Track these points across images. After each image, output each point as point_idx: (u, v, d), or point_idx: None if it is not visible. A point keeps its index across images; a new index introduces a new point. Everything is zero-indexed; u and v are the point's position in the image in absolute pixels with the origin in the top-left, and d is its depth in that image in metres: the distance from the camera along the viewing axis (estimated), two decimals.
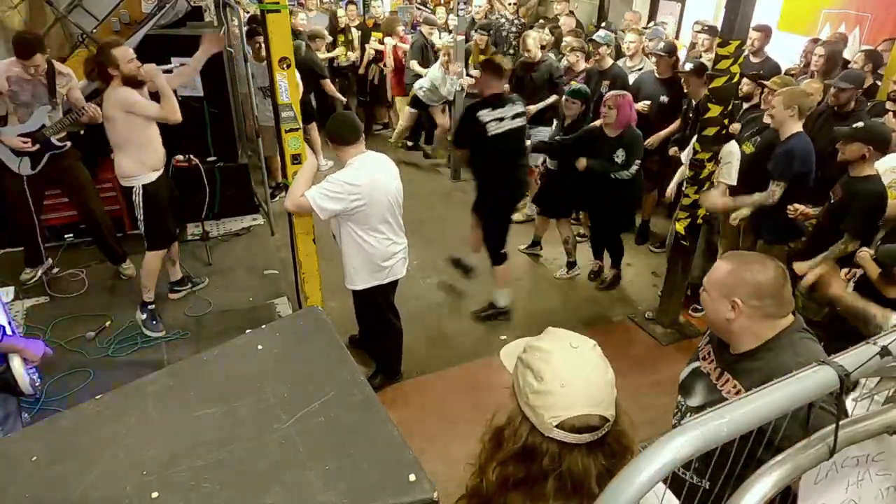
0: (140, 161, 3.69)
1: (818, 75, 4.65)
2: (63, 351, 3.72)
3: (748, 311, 1.59)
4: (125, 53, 3.55)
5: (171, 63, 4.62)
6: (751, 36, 5.12)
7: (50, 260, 4.43)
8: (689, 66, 4.96)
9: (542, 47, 6.80)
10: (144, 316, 3.96)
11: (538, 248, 5.37)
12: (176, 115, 3.64)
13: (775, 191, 3.58)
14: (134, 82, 3.58)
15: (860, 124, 3.26)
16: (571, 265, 5.09)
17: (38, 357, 2.42)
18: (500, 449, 1.18)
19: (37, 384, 2.43)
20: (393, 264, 3.39)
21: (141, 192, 3.73)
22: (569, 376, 1.09)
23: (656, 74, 5.19)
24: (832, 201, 3.34)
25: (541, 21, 7.59)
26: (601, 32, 5.67)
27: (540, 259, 5.30)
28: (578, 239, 5.64)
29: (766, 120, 3.84)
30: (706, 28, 5.77)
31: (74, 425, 1.40)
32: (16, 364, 2.33)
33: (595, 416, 1.09)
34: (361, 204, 3.09)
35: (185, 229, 4.31)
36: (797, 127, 3.59)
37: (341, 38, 7.27)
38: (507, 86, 4.66)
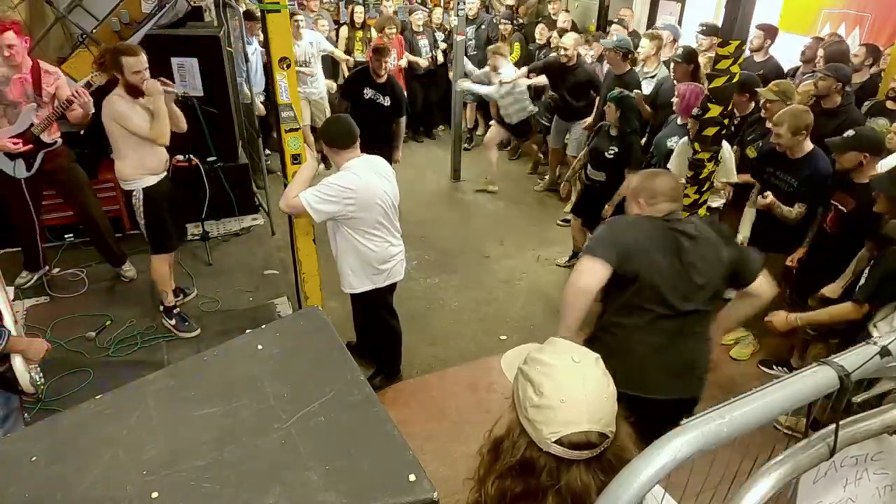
0: (139, 165, 3.62)
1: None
2: (63, 351, 3.72)
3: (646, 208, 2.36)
4: (134, 64, 3.44)
5: (170, 63, 4.64)
6: (752, 34, 5.11)
7: (47, 267, 4.41)
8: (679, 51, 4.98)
9: (545, 46, 6.86)
10: (173, 321, 3.95)
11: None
12: (163, 139, 3.54)
13: (801, 212, 3.54)
14: (137, 91, 3.51)
15: (850, 133, 3.24)
16: None
17: (40, 357, 2.43)
18: (498, 461, 1.17)
19: (38, 383, 2.44)
20: (392, 267, 3.39)
21: (141, 195, 3.66)
22: (569, 392, 1.08)
23: (673, 81, 4.95)
24: (843, 210, 3.31)
25: (539, 19, 7.61)
26: (615, 37, 5.55)
27: (539, 259, 5.30)
28: None
29: (773, 137, 3.80)
30: (706, 28, 5.76)
31: (74, 425, 1.39)
32: (17, 363, 2.34)
33: (594, 432, 1.07)
34: (355, 208, 3.09)
35: (185, 230, 4.26)
36: (809, 145, 3.54)
37: (359, 34, 7.29)
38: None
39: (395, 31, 7.13)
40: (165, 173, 3.79)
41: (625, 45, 5.27)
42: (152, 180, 3.68)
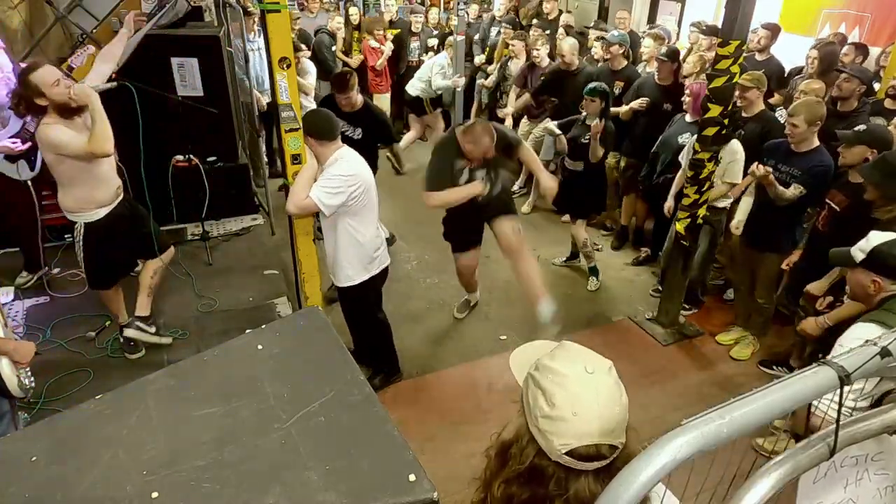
0: (84, 198, 3.22)
1: (815, 76, 4.65)
2: (63, 351, 3.72)
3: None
4: (46, 76, 2.93)
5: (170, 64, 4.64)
6: (758, 33, 5.12)
7: (46, 267, 4.42)
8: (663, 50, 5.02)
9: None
10: (122, 340, 3.75)
11: (577, 260, 5.23)
12: (105, 148, 2.98)
13: (796, 194, 3.54)
14: (70, 109, 3.01)
15: (862, 127, 3.26)
16: (594, 272, 4.95)
17: (28, 359, 2.40)
18: (506, 466, 1.16)
19: (27, 386, 2.40)
20: (381, 252, 3.48)
21: (83, 230, 3.29)
22: (582, 404, 1.05)
23: (656, 80, 5.04)
24: (836, 209, 3.32)
25: (536, 22, 7.59)
26: (614, 32, 5.62)
27: (539, 259, 5.30)
28: (604, 233, 5.67)
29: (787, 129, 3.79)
30: (704, 28, 5.77)
31: (74, 425, 1.39)
32: (3, 366, 2.31)
33: (605, 445, 1.06)
34: (361, 190, 3.18)
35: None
36: (816, 140, 3.55)
37: (355, 35, 7.28)
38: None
39: (382, 31, 7.09)
40: (117, 202, 3.39)
41: (627, 41, 5.37)
42: (98, 213, 3.29)
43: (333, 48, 7.05)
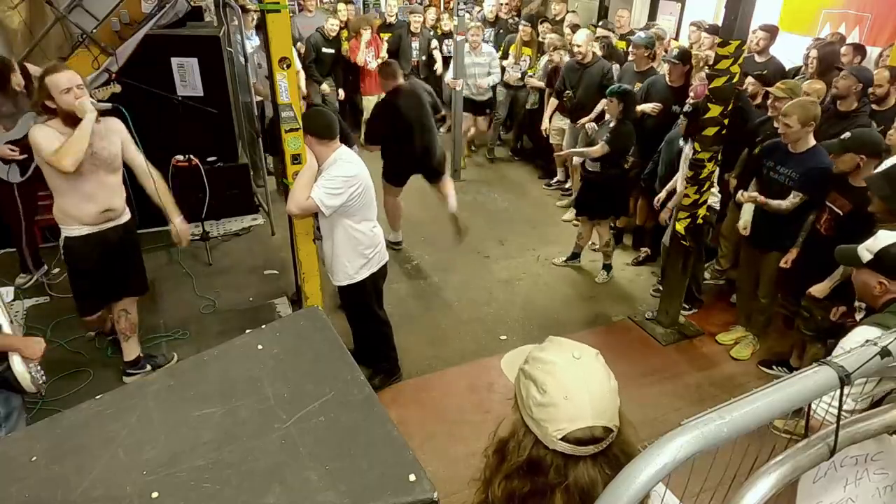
0: (63, 210, 3.09)
1: (815, 75, 4.65)
2: (63, 351, 3.72)
3: None
4: (60, 81, 2.87)
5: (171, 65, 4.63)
6: (756, 35, 5.12)
7: (45, 266, 4.42)
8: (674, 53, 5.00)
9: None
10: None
11: (577, 261, 5.24)
12: (61, 162, 2.84)
13: (795, 202, 3.54)
14: (73, 118, 2.93)
15: (847, 135, 3.26)
16: (608, 268, 5.03)
17: (39, 354, 2.41)
18: (505, 462, 1.17)
19: (39, 382, 2.42)
20: (381, 248, 3.50)
21: (62, 243, 3.17)
22: (572, 388, 1.08)
23: (668, 82, 5.02)
24: (839, 213, 3.31)
25: (547, 25, 7.58)
26: (641, 34, 5.62)
27: (539, 259, 5.30)
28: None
29: (780, 128, 3.80)
30: (707, 27, 5.77)
31: (74, 425, 1.39)
32: (16, 362, 2.32)
33: (599, 427, 1.07)
34: (361, 191, 3.20)
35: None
36: (812, 140, 3.55)
37: (344, 33, 7.24)
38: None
39: (370, 31, 7.03)
40: (106, 226, 3.21)
41: (652, 44, 5.41)
42: (79, 231, 3.14)
43: (325, 49, 6.95)
